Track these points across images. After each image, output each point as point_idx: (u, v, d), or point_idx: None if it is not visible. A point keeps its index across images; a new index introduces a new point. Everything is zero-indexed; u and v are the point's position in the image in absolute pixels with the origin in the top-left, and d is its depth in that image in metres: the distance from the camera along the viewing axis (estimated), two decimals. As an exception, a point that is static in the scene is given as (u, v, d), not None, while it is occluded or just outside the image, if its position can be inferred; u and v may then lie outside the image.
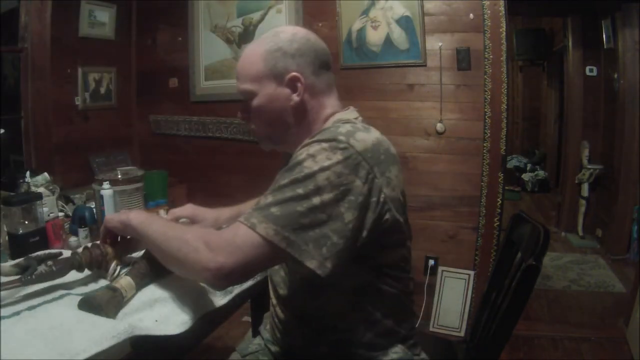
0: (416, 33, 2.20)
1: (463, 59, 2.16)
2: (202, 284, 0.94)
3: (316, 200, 0.70)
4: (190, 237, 0.75)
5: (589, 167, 3.62)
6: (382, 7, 2.24)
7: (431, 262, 2.30)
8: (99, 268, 0.97)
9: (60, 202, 1.62)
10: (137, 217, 0.91)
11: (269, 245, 0.69)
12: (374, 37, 2.28)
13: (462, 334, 2.25)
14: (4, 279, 0.83)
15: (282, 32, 0.88)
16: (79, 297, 0.83)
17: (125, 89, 2.96)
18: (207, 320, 0.95)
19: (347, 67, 2.35)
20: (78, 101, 2.64)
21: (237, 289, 1.05)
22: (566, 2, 3.67)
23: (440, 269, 2.30)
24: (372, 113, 2.31)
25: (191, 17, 2.76)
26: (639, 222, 3.09)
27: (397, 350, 0.87)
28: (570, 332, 2.27)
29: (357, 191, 0.72)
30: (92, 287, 0.95)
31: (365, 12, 2.28)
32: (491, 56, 2.10)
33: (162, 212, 1.63)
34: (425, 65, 2.23)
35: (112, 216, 0.98)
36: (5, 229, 1.20)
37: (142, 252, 0.99)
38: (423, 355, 0.94)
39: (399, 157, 0.83)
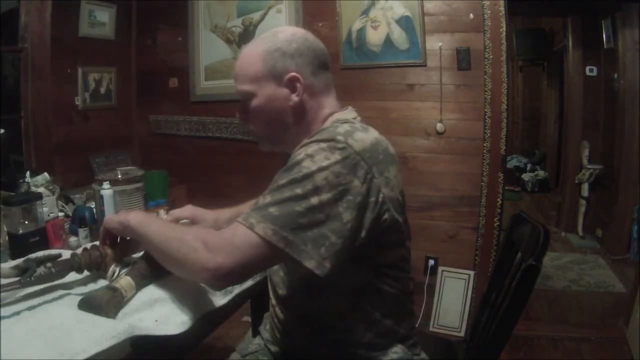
0: (416, 33, 2.20)
1: (463, 59, 2.16)
2: (201, 284, 0.94)
3: (314, 200, 0.70)
4: (188, 237, 0.75)
5: (589, 167, 3.62)
6: (382, 7, 2.24)
7: (431, 262, 2.30)
8: (98, 269, 0.97)
9: (60, 202, 1.62)
10: (136, 218, 0.91)
11: (268, 245, 0.69)
12: (374, 37, 2.28)
13: (462, 334, 2.25)
14: (4, 281, 0.83)
15: (280, 32, 0.88)
16: (79, 297, 0.83)
17: (125, 89, 2.96)
18: (207, 320, 0.95)
19: (347, 67, 2.35)
20: (78, 101, 2.64)
21: (237, 289, 1.05)
22: (566, 2, 3.67)
23: (440, 269, 2.30)
24: (372, 113, 2.31)
25: (191, 17, 2.76)
26: (639, 222, 3.09)
27: (397, 350, 0.87)
28: (570, 332, 2.27)
29: (356, 191, 0.72)
30: (92, 287, 0.95)
31: (365, 12, 2.28)
32: (491, 56, 2.10)
33: (162, 212, 1.64)
34: (425, 65, 2.23)
35: (112, 217, 0.98)
36: (5, 229, 1.20)
37: (142, 252, 0.99)
38: (423, 355, 0.94)
39: (397, 157, 0.83)
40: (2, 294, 0.82)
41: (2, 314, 0.77)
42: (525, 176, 5.58)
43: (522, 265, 0.99)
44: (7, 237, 1.19)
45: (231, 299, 1.02)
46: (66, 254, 1.10)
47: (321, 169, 0.71)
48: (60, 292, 0.89)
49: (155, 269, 0.91)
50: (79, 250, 0.97)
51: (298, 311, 0.91)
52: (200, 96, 2.79)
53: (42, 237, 1.23)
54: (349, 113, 0.91)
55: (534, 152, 5.93)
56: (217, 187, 2.78)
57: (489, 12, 2.08)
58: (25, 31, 2.40)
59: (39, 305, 0.83)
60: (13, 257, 1.14)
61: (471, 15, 2.13)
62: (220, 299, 0.98)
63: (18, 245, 1.17)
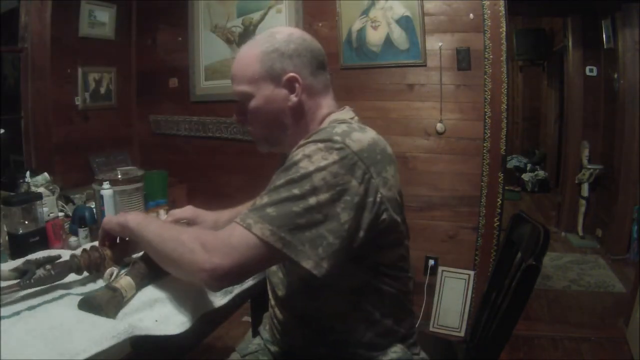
0: (416, 33, 2.20)
1: (463, 59, 2.16)
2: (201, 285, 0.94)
3: (312, 200, 0.70)
4: (186, 238, 0.75)
5: (589, 167, 3.62)
6: (382, 7, 2.24)
7: (431, 262, 2.30)
8: (97, 271, 0.97)
9: (60, 202, 1.62)
10: (135, 219, 0.91)
11: (265, 245, 0.69)
12: (374, 37, 2.28)
13: (462, 334, 2.25)
14: (3, 284, 0.83)
15: (277, 33, 0.88)
16: (79, 297, 0.83)
17: (125, 89, 2.96)
18: (207, 320, 0.95)
19: (347, 67, 2.35)
20: (78, 101, 2.64)
21: (237, 289, 1.05)
22: (566, 2, 3.67)
23: (440, 269, 2.30)
24: (372, 113, 2.31)
25: (191, 17, 2.76)
26: (639, 222, 3.09)
27: (397, 350, 0.87)
28: (570, 332, 2.27)
29: (353, 191, 0.72)
30: (92, 287, 0.95)
31: (365, 12, 2.28)
32: (491, 56, 2.10)
33: (162, 212, 1.64)
34: (425, 65, 2.23)
35: (110, 218, 0.98)
36: (5, 229, 1.20)
37: (142, 252, 0.99)
38: (422, 354, 0.94)
39: (395, 157, 0.83)
40: (2, 296, 0.82)
41: (2, 314, 0.77)
42: (525, 176, 5.58)
43: (522, 265, 0.99)
44: (7, 237, 1.19)
45: (231, 299, 1.02)
46: (66, 254, 1.10)
47: (319, 169, 0.71)
48: (60, 292, 0.89)
49: (155, 269, 0.91)
50: (79, 252, 0.97)
51: (297, 312, 0.91)
52: (200, 96, 2.79)
53: (42, 237, 1.23)
54: (347, 113, 0.91)
55: (534, 152, 5.93)
56: (217, 187, 2.78)
57: (489, 12, 2.08)
58: (25, 31, 2.39)
59: (39, 305, 0.83)
60: (13, 257, 1.13)
61: (471, 15, 2.13)
62: (220, 299, 0.98)
63: (18, 245, 1.17)
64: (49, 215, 1.40)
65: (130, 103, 3.02)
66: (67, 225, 1.44)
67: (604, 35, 3.44)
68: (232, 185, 2.70)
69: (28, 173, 1.67)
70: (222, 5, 2.65)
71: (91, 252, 0.96)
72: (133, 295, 0.88)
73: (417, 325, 1.16)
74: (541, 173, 5.55)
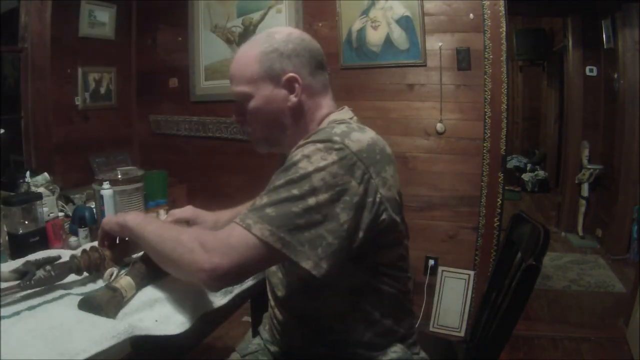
0: (416, 33, 2.20)
1: (463, 59, 2.16)
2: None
3: (311, 200, 0.70)
4: (185, 237, 0.75)
5: (589, 167, 3.62)
6: (382, 7, 2.24)
7: (431, 262, 2.30)
8: (97, 271, 0.97)
9: (60, 202, 1.62)
10: (134, 219, 0.91)
11: (265, 246, 0.69)
12: (374, 37, 2.28)
13: (462, 334, 2.25)
14: (3, 285, 0.83)
15: (276, 33, 0.88)
16: (79, 297, 0.83)
17: (125, 89, 2.96)
18: (207, 320, 0.95)
19: (347, 67, 2.35)
20: (78, 101, 2.64)
21: (236, 289, 1.05)
22: (566, 2, 3.67)
23: (440, 269, 2.30)
24: (372, 113, 2.31)
25: (191, 17, 2.76)
26: (639, 222, 3.09)
27: (396, 350, 0.87)
28: (570, 332, 2.27)
29: (353, 192, 0.72)
30: (92, 287, 0.95)
31: (365, 12, 2.28)
32: (491, 56, 2.10)
33: (162, 212, 1.64)
34: (425, 65, 2.23)
35: (109, 218, 0.99)
36: (5, 229, 1.20)
37: (142, 253, 0.99)
38: (422, 354, 0.94)
39: (395, 157, 0.83)
40: (2, 297, 0.82)
41: (2, 314, 0.77)
42: (525, 176, 5.58)
43: (522, 265, 0.99)
44: (7, 237, 1.19)
45: (231, 299, 1.02)
46: (66, 254, 1.10)
47: (318, 170, 0.71)
48: (60, 292, 0.89)
49: (155, 269, 0.91)
50: (78, 252, 0.97)
51: (297, 312, 0.91)
52: (200, 96, 2.79)
53: (42, 237, 1.23)
54: (346, 113, 0.91)
55: (534, 152, 5.93)
56: (217, 187, 2.78)
57: (489, 12, 2.08)
58: (25, 31, 2.39)
59: (39, 305, 0.83)
60: (13, 257, 1.14)
61: (471, 15, 2.13)
62: (220, 299, 0.98)
63: (18, 245, 1.17)
64: (49, 215, 1.40)
65: (130, 103, 3.02)
66: (67, 225, 1.44)
67: (604, 35, 3.44)
68: (232, 185, 2.70)
69: (28, 173, 1.67)
70: (222, 5, 2.65)
71: (91, 253, 0.96)
72: (133, 295, 0.88)
73: (417, 325, 1.16)
74: (541, 173, 5.55)
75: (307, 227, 0.70)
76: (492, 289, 1.21)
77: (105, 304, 0.80)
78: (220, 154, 2.79)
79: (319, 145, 0.74)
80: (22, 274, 0.86)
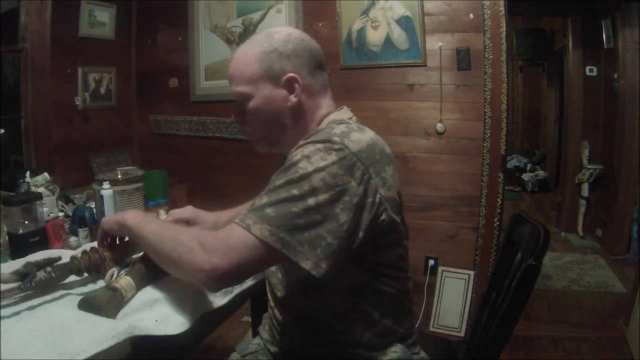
0: (416, 33, 2.20)
1: (463, 59, 2.16)
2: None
3: (311, 201, 0.70)
4: (185, 237, 0.75)
5: (589, 167, 3.62)
6: (382, 7, 2.24)
7: (431, 262, 2.30)
8: (97, 272, 0.96)
9: (60, 202, 1.62)
10: (133, 218, 0.90)
11: (264, 246, 0.69)
12: (374, 37, 2.28)
13: (462, 334, 2.25)
14: (4, 287, 0.83)
15: (276, 33, 0.88)
16: (79, 297, 0.83)
17: (125, 89, 2.96)
18: (207, 320, 0.95)
19: (347, 67, 2.35)
20: (78, 101, 2.64)
21: (236, 289, 1.05)
22: (566, 2, 3.67)
23: (440, 269, 2.30)
24: (372, 113, 2.31)
25: (191, 17, 2.76)
26: (639, 222, 3.09)
27: (396, 350, 0.87)
28: (570, 332, 2.27)
29: (353, 192, 0.72)
30: (92, 287, 0.95)
31: (365, 12, 2.28)
32: (491, 56, 2.10)
33: (162, 212, 1.64)
34: (425, 65, 2.23)
35: (109, 217, 0.99)
36: (5, 229, 1.20)
37: (142, 253, 0.99)
38: (422, 354, 0.94)
39: (394, 157, 0.83)
40: (2, 293, 0.82)
41: (2, 314, 0.77)
42: (525, 176, 5.58)
43: (522, 265, 0.99)
44: (7, 237, 1.19)
45: (231, 299, 1.02)
46: (66, 254, 1.10)
47: (318, 170, 0.71)
48: (60, 292, 0.89)
49: (155, 269, 0.91)
50: (78, 253, 0.97)
51: (296, 312, 0.91)
52: (200, 96, 2.79)
53: (42, 237, 1.23)
54: (345, 113, 0.91)
55: (534, 152, 5.93)
56: (217, 187, 2.78)
57: (489, 12, 2.08)
58: (25, 31, 2.40)
59: (39, 305, 0.83)
60: (13, 257, 1.14)
61: (471, 15, 2.13)
62: (220, 299, 0.98)
63: (18, 245, 1.17)
64: (49, 215, 1.40)
65: (130, 103, 3.02)
66: (67, 225, 1.44)
67: (604, 35, 3.44)
68: (232, 185, 2.70)
69: (28, 173, 1.67)
70: (222, 5, 2.65)
71: (91, 254, 0.96)
72: (133, 295, 0.88)
73: (417, 325, 1.16)
74: (541, 173, 5.55)
75: (307, 228, 0.70)
76: (492, 289, 1.21)
77: (105, 304, 0.80)
78: (220, 154, 2.79)
79: (319, 146, 0.74)
80: (22, 276, 0.86)
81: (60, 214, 1.51)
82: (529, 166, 5.71)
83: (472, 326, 1.30)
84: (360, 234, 0.74)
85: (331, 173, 0.71)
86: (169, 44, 2.89)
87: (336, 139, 0.74)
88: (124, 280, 0.87)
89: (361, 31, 2.30)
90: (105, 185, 1.45)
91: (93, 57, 2.69)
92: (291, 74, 0.85)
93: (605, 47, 3.46)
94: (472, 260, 2.24)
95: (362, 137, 0.77)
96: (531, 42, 5.23)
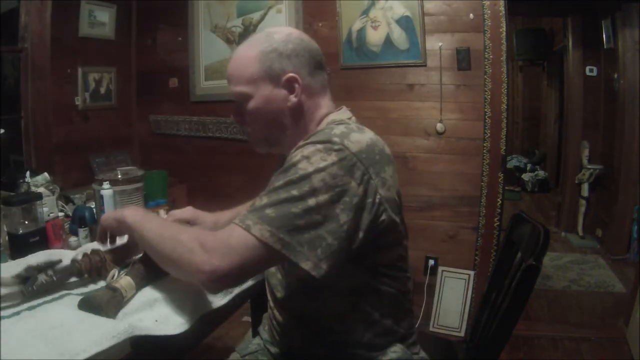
0: (416, 33, 2.20)
1: (463, 59, 2.16)
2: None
3: (311, 201, 0.70)
4: (185, 237, 0.75)
5: (589, 167, 3.62)
6: (382, 7, 2.24)
7: (431, 262, 2.30)
8: (99, 275, 0.96)
9: (60, 202, 1.62)
10: (133, 216, 0.90)
11: (264, 246, 0.69)
12: (374, 37, 2.28)
13: (462, 334, 2.25)
14: (5, 291, 0.83)
15: (275, 33, 0.87)
16: (79, 297, 0.83)
17: (125, 89, 2.96)
18: (207, 320, 0.95)
19: (347, 67, 2.35)
20: (78, 101, 2.64)
21: (236, 289, 1.05)
22: (566, 2, 3.67)
23: (440, 269, 2.30)
24: (372, 113, 2.31)
25: (191, 17, 2.76)
26: (639, 222, 3.09)
27: (396, 350, 0.87)
28: (570, 332, 2.27)
29: (353, 192, 0.72)
30: (92, 287, 0.95)
31: (365, 12, 2.28)
32: (491, 56, 2.10)
33: (162, 212, 1.64)
34: (425, 65, 2.23)
35: (108, 214, 0.98)
36: (5, 229, 1.20)
37: (141, 254, 0.99)
38: (422, 353, 0.94)
39: (393, 157, 0.83)
40: (3, 293, 0.82)
41: (2, 314, 0.77)
42: (525, 176, 5.58)
43: (522, 265, 0.99)
44: (7, 237, 1.19)
45: (231, 299, 1.02)
46: (66, 254, 1.10)
47: (318, 171, 0.71)
48: (61, 292, 0.89)
49: (155, 270, 0.91)
50: (79, 255, 0.97)
51: (296, 312, 0.91)
52: (200, 96, 2.79)
53: (42, 237, 1.23)
54: (344, 113, 0.91)
55: (534, 152, 5.93)
56: (217, 187, 2.78)
57: (489, 12, 2.08)
58: (25, 31, 2.39)
59: (39, 305, 0.83)
60: (13, 257, 1.13)
61: (471, 15, 2.13)
62: (220, 299, 0.98)
63: (18, 245, 1.17)
64: (49, 215, 1.40)
65: (130, 103, 3.02)
66: (67, 225, 1.44)
67: (604, 35, 3.44)
68: (232, 185, 2.70)
69: (28, 173, 1.67)
70: (222, 5, 2.65)
71: (92, 256, 0.96)
72: (133, 295, 0.88)
73: (417, 325, 1.16)
74: (541, 173, 5.55)
75: (307, 228, 0.70)
76: (492, 289, 1.21)
77: (105, 304, 0.80)
78: (220, 154, 2.79)
79: (319, 146, 0.74)
80: (24, 280, 0.86)
81: (60, 214, 1.51)
82: (529, 166, 5.71)
83: (472, 326, 1.30)
84: (360, 235, 0.74)
85: (331, 174, 0.71)
86: (169, 44, 2.89)
87: (336, 139, 0.74)
88: (124, 280, 0.87)
89: (361, 31, 2.30)
90: (105, 185, 1.45)
91: (93, 57, 2.69)
92: (291, 74, 0.85)
93: (605, 47, 3.46)
94: (472, 260, 2.24)
95: (362, 137, 0.77)
96: (531, 42, 5.22)
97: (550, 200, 5.04)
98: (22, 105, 2.45)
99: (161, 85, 2.92)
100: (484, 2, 2.09)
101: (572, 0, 3.62)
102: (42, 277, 0.86)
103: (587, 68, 3.71)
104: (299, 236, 0.69)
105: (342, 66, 2.35)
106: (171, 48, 2.88)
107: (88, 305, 0.80)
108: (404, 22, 2.21)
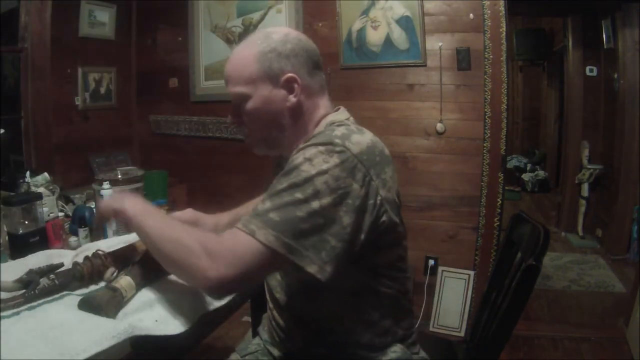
0: (416, 33, 2.20)
1: (463, 59, 2.16)
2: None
3: (315, 204, 0.69)
4: (188, 239, 0.73)
5: (589, 167, 3.62)
6: (382, 7, 2.24)
7: (431, 262, 2.30)
8: (100, 278, 0.96)
9: (60, 202, 1.62)
10: (133, 208, 0.84)
11: (270, 251, 0.68)
12: (374, 37, 2.28)
13: (462, 334, 2.25)
14: (7, 295, 0.83)
15: (273, 33, 0.87)
16: (79, 297, 0.83)
17: (125, 89, 2.96)
18: (207, 320, 0.95)
19: (347, 67, 2.35)
20: (78, 101, 2.64)
21: (237, 289, 1.05)
22: (566, 2, 3.67)
23: (440, 269, 2.30)
24: (372, 113, 2.31)
25: (191, 17, 2.76)
26: (639, 222, 3.09)
27: (396, 350, 0.87)
28: (570, 332, 2.27)
29: (355, 194, 0.72)
30: (92, 287, 0.95)
31: (365, 12, 2.28)
32: (491, 56, 2.10)
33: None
34: (425, 65, 2.23)
35: (107, 203, 0.92)
36: (5, 229, 1.20)
37: (141, 255, 0.99)
38: (422, 353, 0.94)
39: (393, 157, 0.83)
40: (3, 293, 0.82)
41: (2, 314, 0.77)
42: (525, 176, 5.58)
43: (522, 265, 0.99)
44: (7, 237, 1.19)
45: (231, 299, 1.02)
46: (66, 254, 1.10)
47: (321, 173, 0.71)
48: (61, 292, 0.89)
49: (155, 270, 0.91)
50: (80, 256, 0.97)
51: (296, 313, 0.91)
52: (200, 96, 2.79)
53: (42, 237, 1.23)
54: (342, 114, 0.91)
55: (534, 152, 5.93)
56: (217, 187, 2.78)
57: (489, 12, 2.08)
58: (25, 31, 2.39)
59: (39, 305, 0.83)
60: (13, 257, 1.13)
61: (471, 15, 2.13)
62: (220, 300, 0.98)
63: (18, 245, 1.17)
64: (49, 215, 1.40)
65: (130, 103, 3.02)
66: (67, 225, 1.45)
67: (604, 35, 3.44)
68: (232, 185, 2.70)
69: (28, 173, 1.67)
70: (222, 5, 2.65)
71: (93, 260, 0.95)
72: (133, 295, 0.88)
73: (417, 325, 1.16)
74: (541, 173, 5.55)
75: (312, 232, 0.69)
76: (492, 289, 1.21)
77: (105, 304, 0.80)
78: (220, 154, 2.79)
79: (321, 148, 0.73)
80: (25, 284, 0.85)
81: (60, 214, 1.51)
82: (529, 166, 5.71)
83: (472, 326, 1.30)
84: (362, 236, 0.74)
85: (334, 176, 0.71)
86: (169, 44, 2.88)
87: (337, 141, 0.74)
88: (124, 280, 0.87)
89: (361, 31, 2.30)
90: (105, 185, 1.45)
91: (93, 57, 2.69)
92: (290, 74, 0.84)
93: (605, 47, 3.46)
94: (472, 260, 2.24)
95: (363, 139, 0.77)
96: (531, 42, 5.22)
97: (550, 200, 5.04)
98: (22, 105, 2.45)
99: (161, 85, 2.92)
100: (484, 2, 2.09)
101: (572, 0, 3.62)
102: (44, 281, 0.86)
103: (587, 68, 3.71)
104: (304, 240, 0.69)
105: (342, 66, 2.35)
106: (171, 48, 2.88)
107: (88, 305, 0.80)
108: (404, 22, 2.21)
